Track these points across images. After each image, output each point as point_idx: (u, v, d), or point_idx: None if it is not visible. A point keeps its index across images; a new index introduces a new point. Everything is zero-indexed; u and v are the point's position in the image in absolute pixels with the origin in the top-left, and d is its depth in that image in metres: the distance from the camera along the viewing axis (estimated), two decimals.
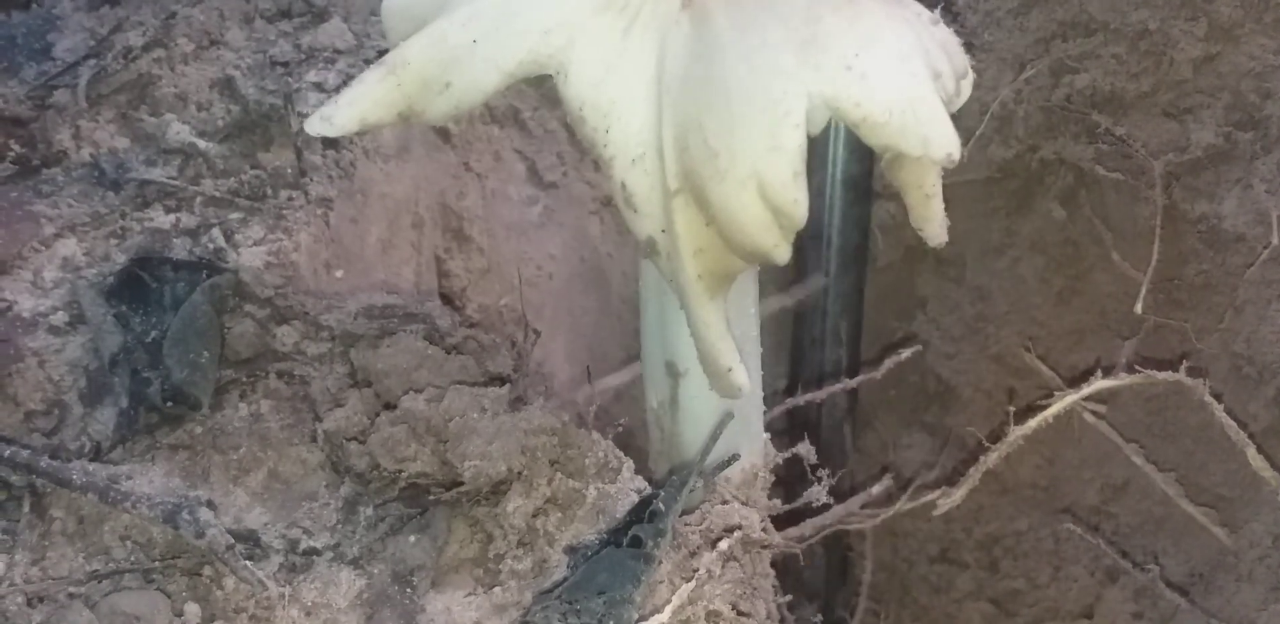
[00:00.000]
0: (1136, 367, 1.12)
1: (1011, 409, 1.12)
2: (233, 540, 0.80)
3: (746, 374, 0.80)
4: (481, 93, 0.73)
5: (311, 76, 1.13)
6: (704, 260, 0.74)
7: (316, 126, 0.73)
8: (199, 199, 1.04)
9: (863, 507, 1.14)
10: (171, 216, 1.02)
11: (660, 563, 0.81)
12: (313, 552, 0.83)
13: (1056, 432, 1.20)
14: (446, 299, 1.24)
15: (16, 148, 1.07)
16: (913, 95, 0.68)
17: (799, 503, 1.02)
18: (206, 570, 0.80)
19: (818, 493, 1.01)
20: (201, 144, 1.07)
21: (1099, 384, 1.11)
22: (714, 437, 0.90)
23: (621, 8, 0.72)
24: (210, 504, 0.83)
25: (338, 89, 0.95)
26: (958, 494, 1.11)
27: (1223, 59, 1.24)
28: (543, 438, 0.84)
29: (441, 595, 0.82)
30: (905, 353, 1.17)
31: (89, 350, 0.92)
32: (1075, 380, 1.17)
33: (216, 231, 1.01)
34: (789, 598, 1.02)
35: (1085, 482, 1.37)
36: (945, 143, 0.69)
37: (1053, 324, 1.40)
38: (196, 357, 0.89)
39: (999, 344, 1.45)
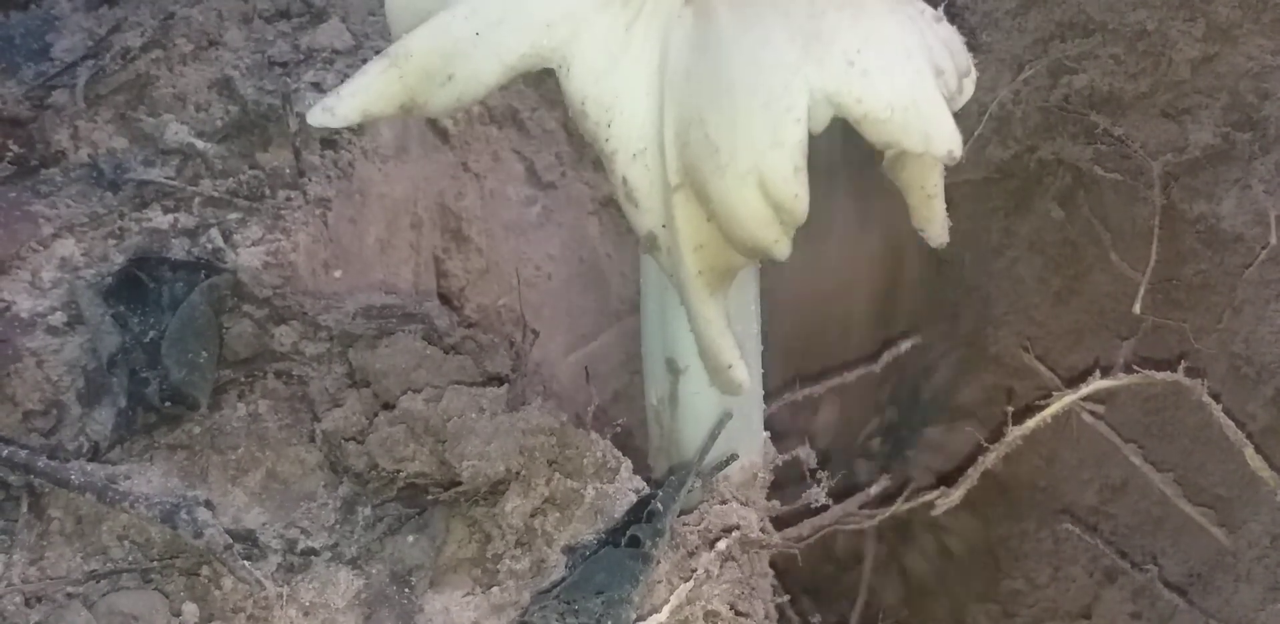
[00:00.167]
0: (1135, 367, 1.12)
1: (1010, 409, 1.12)
2: (231, 540, 0.79)
3: (747, 371, 0.80)
4: (483, 85, 0.73)
5: (310, 77, 1.13)
6: (705, 256, 0.74)
7: (319, 118, 0.73)
8: (197, 199, 1.04)
9: (861, 507, 1.14)
10: (170, 217, 1.02)
11: (658, 563, 0.81)
12: (311, 552, 0.83)
13: (1055, 432, 1.20)
14: (445, 299, 1.23)
15: (15, 148, 1.07)
16: (915, 92, 0.68)
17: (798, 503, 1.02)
18: (204, 570, 0.80)
19: (817, 494, 1.02)
20: (200, 144, 1.07)
21: (1097, 384, 1.11)
22: (713, 436, 0.89)
23: (625, 2, 0.72)
24: (208, 504, 0.83)
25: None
26: (956, 494, 1.11)
27: (1221, 59, 1.24)
28: (541, 438, 0.84)
29: (440, 595, 0.82)
30: (904, 346, 1.17)
31: (87, 350, 0.91)
32: (1073, 380, 1.17)
33: (215, 232, 1.01)
34: (787, 597, 1.02)
35: (1084, 482, 1.37)
36: (947, 140, 0.69)
37: (1051, 324, 1.40)
38: (195, 357, 0.88)
39: (997, 344, 1.45)
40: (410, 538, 0.82)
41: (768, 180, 0.69)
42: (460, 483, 0.83)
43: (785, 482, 1.03)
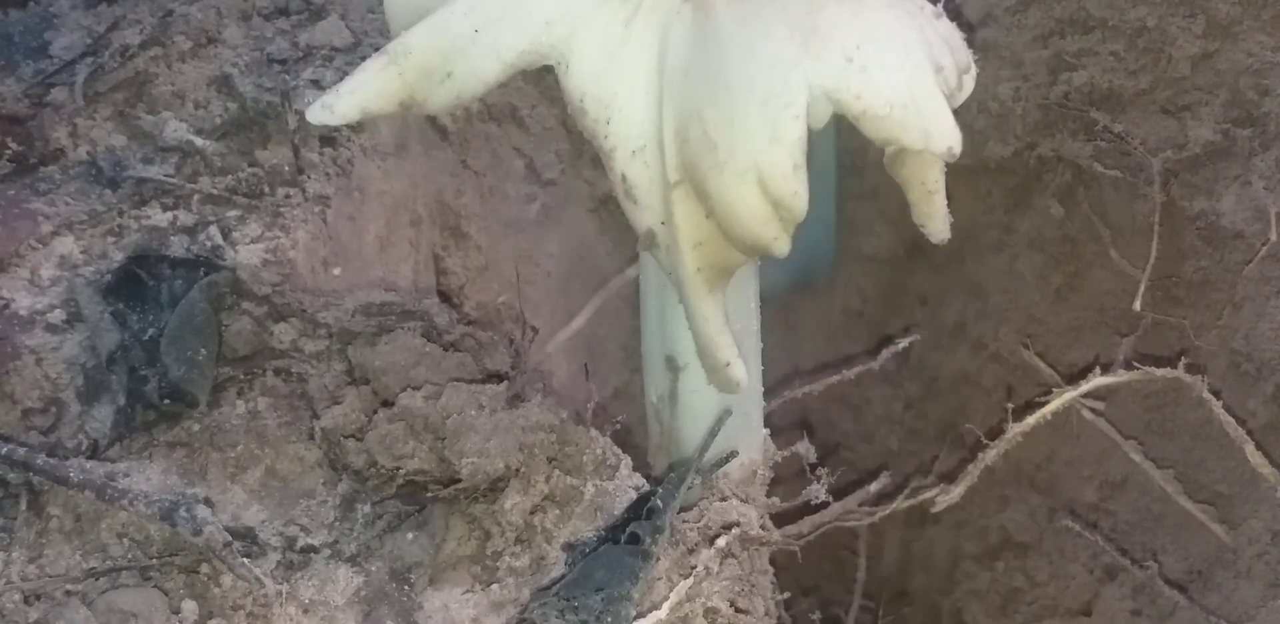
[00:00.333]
0: (1135, 363, 1.12)
1: (1010, 406, 1.12)
2: (230, 538, 0.79)
3: (745, 369, 0.80)
4: (483, 83, 0.73)
5: (309, 74, 1.13)
6: (704, 253, 0.74)
7: (318, 115, 0.73)
8: (196, 197, 1.04)
9: (860, 504, 1.14)
10: (169, 214, 1.02)
11: (658, 560, 0.81)
12: (310, 549, 0.83)
13: (1055, 429, 1.20)
14: (444, 296, 1.23)
15: (13, 146, 1.07)
16: (914, 88, 0.68)
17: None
18: (204, 568, 0.80)
19: (816, 490, 1.01)
20: (199, 142, 1.07)
21: (1097, 381, 1.11)
22: (713, 433, 0.89)
23: None
24: (208, 502, 0.83)
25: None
26: (956, 491, 1.11)
27: (1221, 56, 1.24)
28: (540, 435, 0.84)
29: (439, 593, 0.82)
30: (902, 343, 1.17)
31: (86, 348, 0.91)
32: (1074, 377, 1.18)
33: (214, 229, 1.01)
34: (787, 595, 1.02)
35: (1084, 479, 1.36)
36: (947, 137, 0.69)
37: (1051, 321, 1.40)
38: (194, 354, 0.88)
39: (997, 341, 1.45)
40: (410, 535, 0.82)
41: (767, 177, 0.68)
42: (460, 480, 0.83)
43: (785, 477, 1.03)
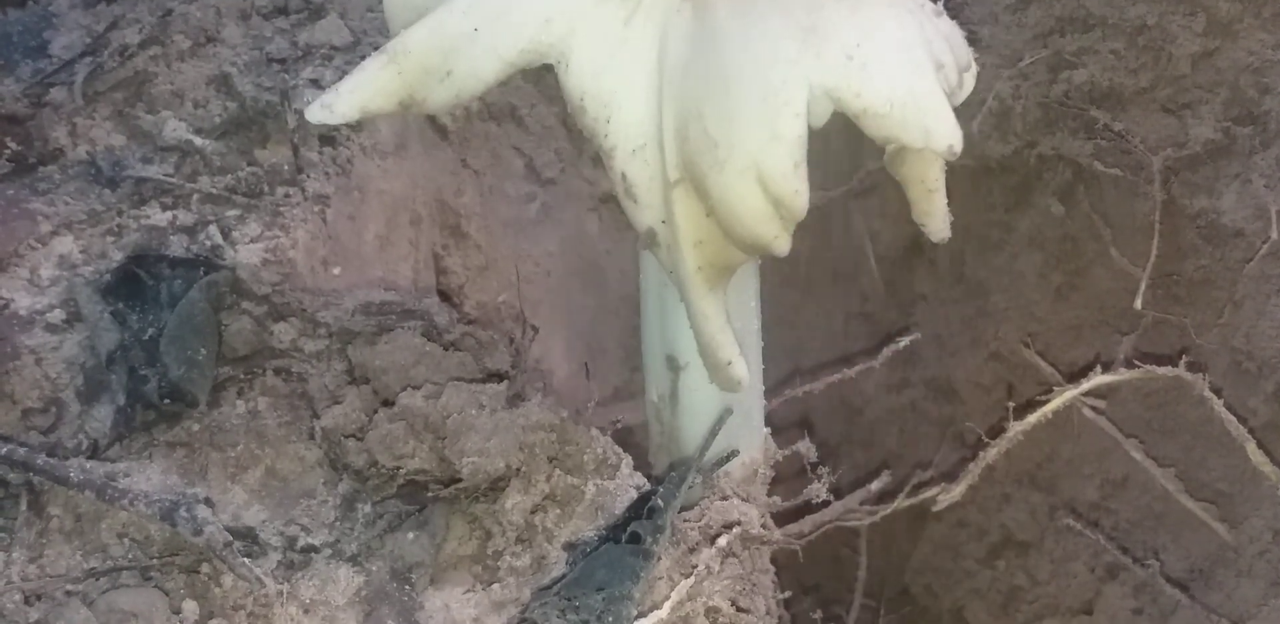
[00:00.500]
0: (1136, 362, 1.12)
1: (1011, 405, 1.12)
2: (230, 538, 0.79)
3: (746, 367, 0.80)
4: (482, 82, 0.73)
5: (308, 73, 1.13)
6: (704, 252, 0.74)
7: (317, 114, 0.73)
8: (196, 196, 1.04)
9: (861, 503, 1.14)
10: (168, 214, 1.02)
11: (659, 559, 0.81)
12: (311, 549, 0.82)
13: (1056, 427, 1.20)
14: (444, 296, 1.23)
15: (13, 145, 1.06)
16: (914, 86, 0.68)
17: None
18: (204, 568, 0.80)
19: (817, 489, 1.01)
20: (198, 141, 1.07)
21: (1098, 379, 1.11)
22: (713, 432, 0.89)
23: None
24: (208, 501, 0.83)
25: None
26: (957, 490, 1.11)
27: (1221, 54, 1.24)
28: (541, 434, 0.84)
29: (440, 592, 0.82)
30: (903, 341, 1.17)
31: (86, 348, 0.91)
32: (1074, 376, 1.18)
33: (213, 229, 1.01)
34: (788, 594, 1.02)
35: (1085, 477, 1.36)
36: (947, 135, 0.69)
37: (1052, 320, 1.40)
38: (194, 354, 0.88)
39: (998, 340, 1.45)
40: (410, 535, 0.82)
41: (767, 175, 0.68)
42: (460, 480, 0.83)
43: (786, 476, 1.03)
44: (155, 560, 0.81)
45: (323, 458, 0.87)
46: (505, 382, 0.88)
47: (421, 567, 0.82)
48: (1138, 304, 1.21)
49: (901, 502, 1.14)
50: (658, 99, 0.71)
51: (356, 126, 1.12)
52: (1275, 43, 1.21)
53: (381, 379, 0.89)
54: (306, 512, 0.84)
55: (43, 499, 0.83)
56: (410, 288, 1.17)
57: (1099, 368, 1.13)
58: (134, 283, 0.93)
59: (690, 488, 0.87)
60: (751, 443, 0.96)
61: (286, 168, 1.07)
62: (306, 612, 0.79)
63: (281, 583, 0.80)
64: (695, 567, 0.82)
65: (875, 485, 1.15)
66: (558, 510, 0.83)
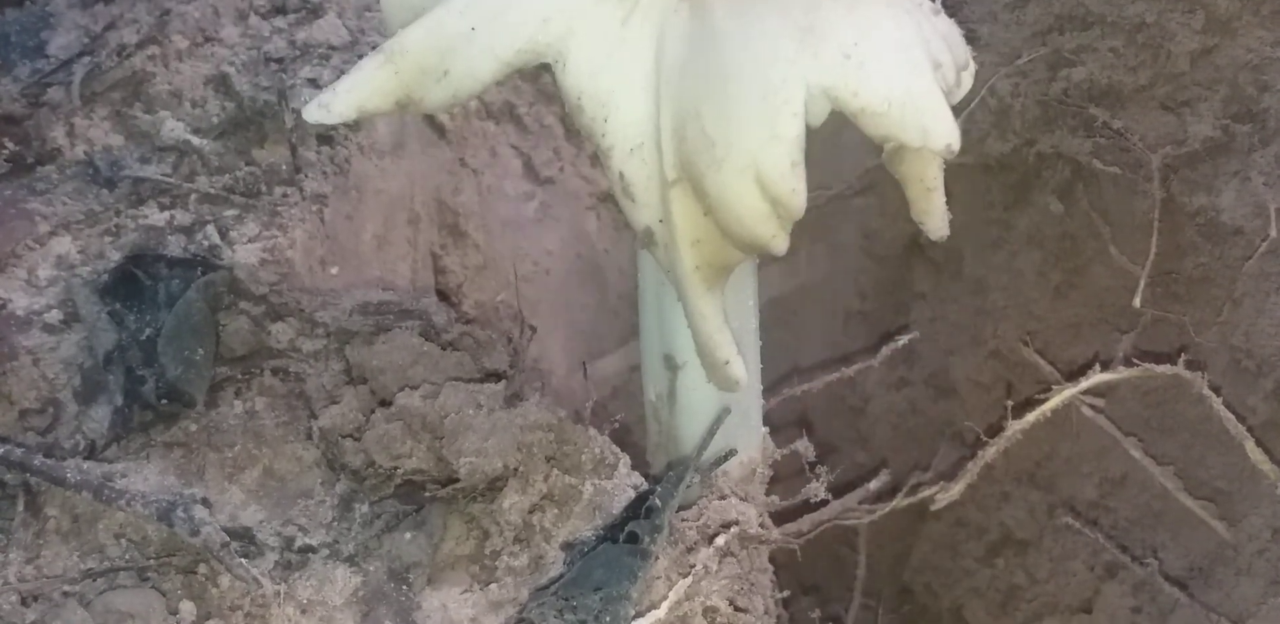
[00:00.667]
0: (1135, 360, 1.12)
1: (1010, 403, 1.12)
2: (228, 538, 0.79)
3: (744, 367, 0.79)
4: (479, 81, 0.73)
5: (306, 73, 1.13)
6: (702, 251, 0.74)
7: (314, 114, 0.73)
8: (193, 196, 1.04)
9: (860, 502, 1.14)
10: (166, 214, 1.02)
11: (657, 559, 0.81)
12: (308, 549, 0.82)
13: (1055, 426, 1.20)
14: (442, 295, 1.23)
15: (11, 145, 1.06)
16: (912, 85, 0.68)
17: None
18: (202, 568, 0.80)
19: (816, 488, 1.01)
20: (196, 141, 1.07)
21: (1097, 378, 1.11)
22: (711, 431, 0.89)
23: None
24: (205, 502, 0.83)
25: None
26: (955, 489, 1.11)
27: (1220, 52, 1.23)
28: (539, 434, 0.84)
29: (437, 592, 0.82)
30: (902, 339, 1.17)
31: (83, 348, 0.91)
32: (1073, 374, 1.17)
33: (211, 229, 1.01)
34: (786, 593, 1.02)
35: (1083, 475, 1.36)
36: (945, 134, 0.69)
37: (1050, 318, 1.39)
38: (191, 354, 0.88)
39: (997, 338, 1.45)
40: (408, 535, 0.82)
41: (765, 175, 0.68)
42: (458, 479, 0.83)
43: (784, 475, 1.03)
44: (152, 561, 0.81)
45: (320, 458, 0.87)
46: (503, 381, 0.88)
47: (419, 567, 0.82)
48: (1137, 302, 1.21)
49: (900, 500, 1.13)
50: (655, 98, 0.71)
51: (354, 126, 1.12)
52: (1274, 40, 1.21)
53: (379, 379, 0.89)
54: (304, 512, 0.84)
55: (40, 500, 0.83)
56: (408, 287, 1.17)
57: (1098, 366, 1.12)
58: (132, 283, 0.93)
59: (688, 487, 0.86)
60: (750, 442, 0.96)
61: (284, 167, 1.07)
62: (304, 612, 0.79)
63: (279, 583, 0.80)
64: (693, 566, 0.82)
65: (874, 484, 1.14)
66: (555, 510, 0.83)
